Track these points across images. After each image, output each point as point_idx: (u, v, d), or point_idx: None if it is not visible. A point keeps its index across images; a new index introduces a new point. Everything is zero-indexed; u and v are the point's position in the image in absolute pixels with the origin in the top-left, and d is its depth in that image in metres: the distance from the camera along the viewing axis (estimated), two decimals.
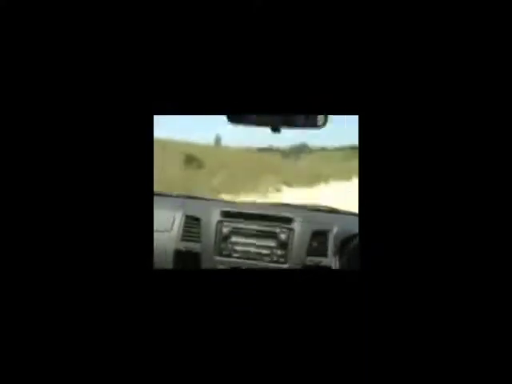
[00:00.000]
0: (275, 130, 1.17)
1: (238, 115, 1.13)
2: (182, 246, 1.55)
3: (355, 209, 1.72)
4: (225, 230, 1.54)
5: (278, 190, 7.39)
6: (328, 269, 1.42)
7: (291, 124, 1.15)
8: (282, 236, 1.51)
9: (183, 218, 1.59)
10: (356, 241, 1.29)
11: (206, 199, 1.85)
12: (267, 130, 1.20)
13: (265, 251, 1.51)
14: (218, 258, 1.51)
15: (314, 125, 1.15)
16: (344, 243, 1.38)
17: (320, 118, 1.14)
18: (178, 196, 1.81)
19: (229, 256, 1.51)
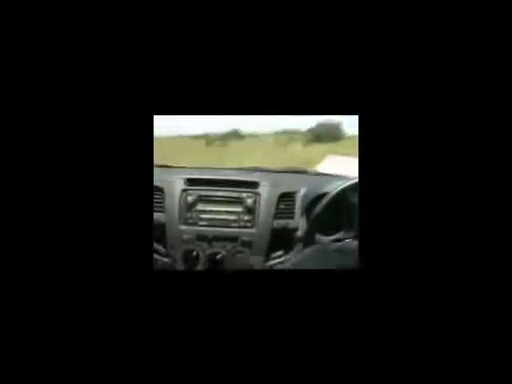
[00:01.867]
0: None
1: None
2: None
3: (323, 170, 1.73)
4: (189, 199, 1.50)
5: None
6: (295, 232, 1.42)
7: None
8: (249, 201, 1.50)
9: None
10: (325, 200, 1.29)
11: (171, 167, 1.79)
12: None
13: (231, 217, 1.50)
14: (184, 227, 1.48)
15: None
16: (312, 203, 1.39)
17: None
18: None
19: (195, 224, 1.48)
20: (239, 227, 1.48)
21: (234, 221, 1.49)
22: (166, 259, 1.46)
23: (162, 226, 1.48)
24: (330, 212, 1.32)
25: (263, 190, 1.52)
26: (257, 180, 1.55)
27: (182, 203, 1.50)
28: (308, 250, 1.31)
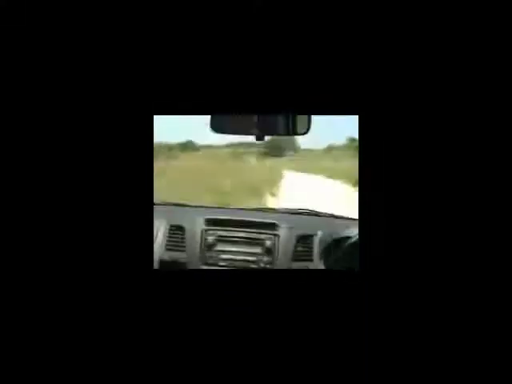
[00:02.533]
0: (259, 138, 1.17)
1: (221, 125, 1.14)
2: (167, 255, 1.53)
3: (336, 211, 1.74)
4: (210, 239, 1.53)
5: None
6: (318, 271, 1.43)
7: (275, 132, 1.16)
8: (268, 242, 1.51)
9: (167, 227, 1.57)
10: (344, 244, 1.30)
11: (189, 206, 1.83)
12: None
13: (251, 258, 1.50)
14: (204, 268, 1.50)
15: (297, 132, 1.16)
16: (329, 247, 1.39)
17: (304, 124, 1.15)
18: (161, 204, 1.79)
19: (215, 265, 1.50)
20: (258, 268, 1.50)
21: (254, 262, 1.50)
22: None
23: (183, 266, 1.50)
24: (350, 256, 1.33)
25: (282, 231, 1.54)
26: (275, 222, 1.57)
27: (202, 243, 1.53)
28: None
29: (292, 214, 1.75)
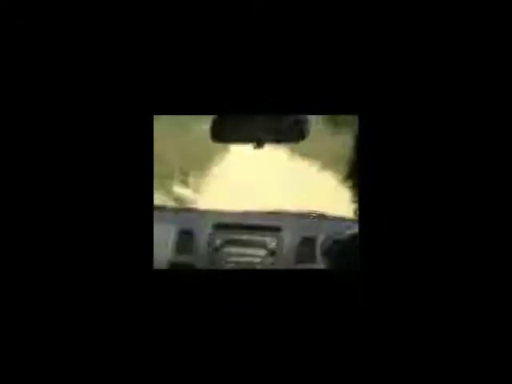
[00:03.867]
0: (258, 145, 1.20)
1: (220, 133, 1.16)
2: (176, 259, 1.60)
3: (343, 212, 1.78)
4: (217, 242, 1.60)
5: None
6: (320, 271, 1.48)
7: (275, 138, 1.19)
8: (272, 245, 1.58)
9: (176, 232, 1.65)
10: (338, 246, 1.35)
11: (197, 210, 1.91)
12: None
13: (256, 260, 1.56)
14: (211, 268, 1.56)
15: (295, 139, 1.19)
16: (329, 249, 1.45)
17: (305, 130, 1.13)
18: (170, 210, 1.87)
19: (221, 267, 1.57)
20: (258, 269, 1.56)
21: (259, 263, 1.57)
22: None
23: (192, 268, 1.57)
24: (346, 257, 1.38)
25: (285, 234, 1.60)
26: (280, 224, 1.63)
27: (209, 246, 1.60)
28: None
29: (297, 216, 1.81)
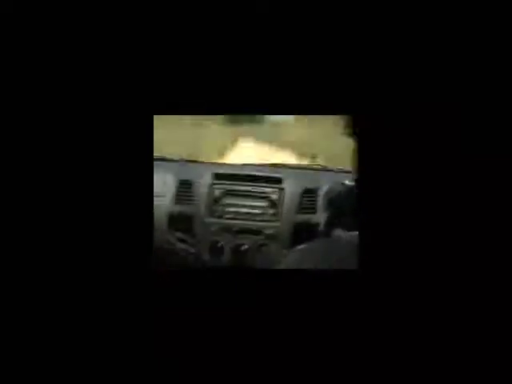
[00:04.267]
0: None
1: None
2: (175, 209, 1.59)
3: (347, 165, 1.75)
4: (216, 192, 1.58)
5: None
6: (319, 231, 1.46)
7: None
8: (273, 196, 1.56)
9: (176, 182, 1.62)
10: (341, 197, 1.33)
11: (198, 162, 1.87)
12: None
13: (256, 211, 1.56)
14: (210, 220, 1.55)
15: None
16: (332, 200, 1.43)
17: None
18: (171, 160, 1.82)
19: (220, 217, 1.55)
20: (263, 221, 1.54)
21: (259, 214, 1.55)
22: (192, 249, 1.54)
23: (190, 218, 1.56)
24: (347, 208, 1.36)
25: (287, 185, 1.57)
26: (281, 176, 1.60)
27: (209, 197, 1.57)
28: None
29: (300, 168, 1.77)
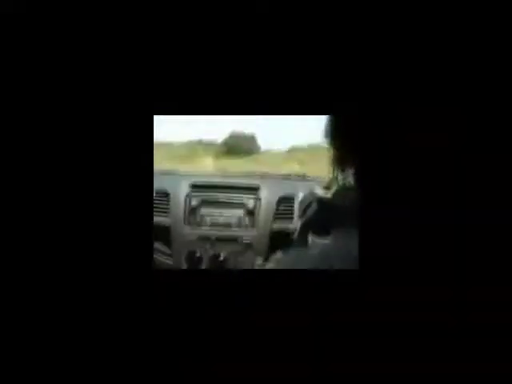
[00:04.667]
0: None
1: None
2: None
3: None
4: (193, 202, 1.57)
5: None
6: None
7: None
8: (250, 204, 1.56)
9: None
10: (314, 205, 1.35)
11: (175, 174, 1.86)
12: None
13: (233, 220, 1.56)
14: (187, 230, 1.55)
15: None
16: (308, 206, 1.44)
17: None
18: None
19: (197, 227, 1.55)
20: (241, 229, 1.55)
21: (236, 223, 1.56)
22: (170, 260, 1.53)
23: (167, 229, 1.55)
24: (322, 215, 1.38)
25: (263, 194, 1.59)
26: (257, 184, 1.62)
27: (186, 207, 1.57)
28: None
29: (276, 177, 1.79)
